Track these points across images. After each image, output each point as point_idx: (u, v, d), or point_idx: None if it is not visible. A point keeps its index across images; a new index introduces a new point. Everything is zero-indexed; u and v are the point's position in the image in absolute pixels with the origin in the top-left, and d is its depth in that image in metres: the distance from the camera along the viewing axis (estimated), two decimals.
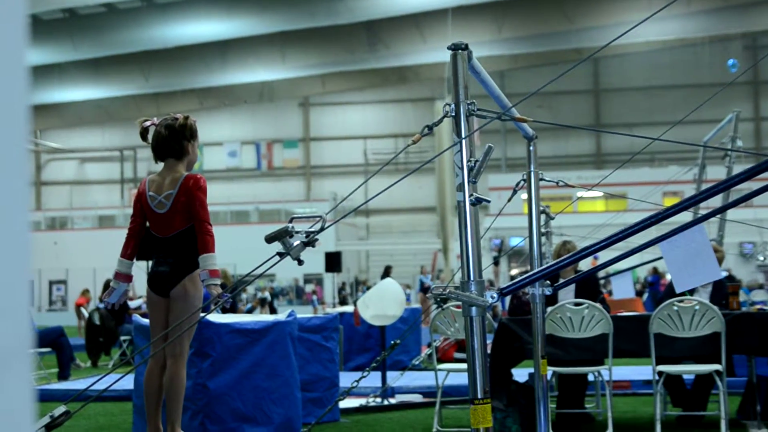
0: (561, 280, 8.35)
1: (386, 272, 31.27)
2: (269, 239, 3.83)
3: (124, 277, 6.67)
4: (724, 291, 9.53)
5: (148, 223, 6.67)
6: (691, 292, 9.17)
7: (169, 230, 6.51)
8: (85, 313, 20.12)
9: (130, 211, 6.65)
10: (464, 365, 8.65)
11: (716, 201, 12.30)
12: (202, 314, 6.77)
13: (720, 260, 9.61)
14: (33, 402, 1.14)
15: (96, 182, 60.32)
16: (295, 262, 3.91)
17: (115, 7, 43.34)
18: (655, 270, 33.54)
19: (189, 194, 6.45)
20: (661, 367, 8.49)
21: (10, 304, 1.11)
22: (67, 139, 59.06)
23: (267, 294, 37.84)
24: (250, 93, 55.34)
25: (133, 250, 6.69)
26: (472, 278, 3.64)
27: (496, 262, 29.49)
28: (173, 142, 6.58)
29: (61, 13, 43.12)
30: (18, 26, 1.13)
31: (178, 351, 6.42)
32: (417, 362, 14.21)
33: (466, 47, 3.87)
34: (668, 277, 29.39)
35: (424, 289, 30.94)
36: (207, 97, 55.63)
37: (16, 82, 1.13)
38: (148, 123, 6.69)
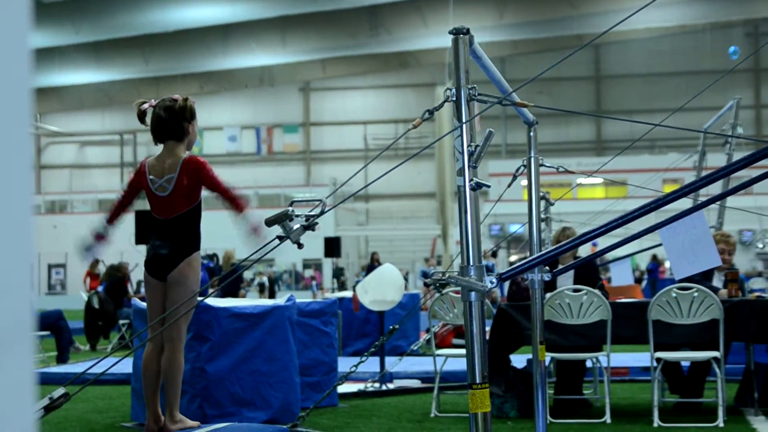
0: (560, 266, 8.36)
1: (373, 259, 31.25)
2: (269, 222, 3.83)
3: (99, 236, 6.75)
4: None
5: (149, 206, 6.68)
6: (709, 276, 9.17)
7: (171, 212, 6.52)
8: (84, 297, 20.14)
9: None
10: (462, 351, 8.64)
11: (716, 188, 12.31)
12: (199, 298, 6.78)
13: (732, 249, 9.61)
14: (34, 383, 1.15)
15: (96, 166, 60.29)
16: (295, 246, 3.92)
17: None
18: (654, 257, 33.60)
19: (193, 177, 6.46)
20: (660, 354, 8.50)
21: (11, 286, 1.11)
22: (67, 123, 59.04)
23: (265, 279, 37.85)
24: (251, 77, 55.32)
25: (115, 218, 6.76)
26: (471, 263, 3.65)
27: (494, 254, 29.50)
28: (173, 123, 6.58)
29: None
30: (21, 9, 1.14)
31: (175, 335, 6.43)
32: (415, 348, 14.25)
33: (468, 32, 3.86)
34: (667, 264, 29.40)
35: (426, 283, 30.87)
36: (207, 81, 55.60)
37: (19, 66, 1.14)
38: (146, 105, 6.68)
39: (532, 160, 5.95)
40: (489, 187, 3.75)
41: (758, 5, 47.49)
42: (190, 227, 6.44)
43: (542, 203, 8.36)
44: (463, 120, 3.72)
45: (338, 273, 38.53)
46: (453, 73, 3.85)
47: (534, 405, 5.93)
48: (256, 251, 3.99)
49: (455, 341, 13.55)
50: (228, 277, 14.89)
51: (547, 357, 7.59)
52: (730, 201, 12.37)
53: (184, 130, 6.61)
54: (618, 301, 9.15)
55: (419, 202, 54.68)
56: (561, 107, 48.07)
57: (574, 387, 9.44)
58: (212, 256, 21.84)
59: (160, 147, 6.71)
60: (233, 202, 6.51)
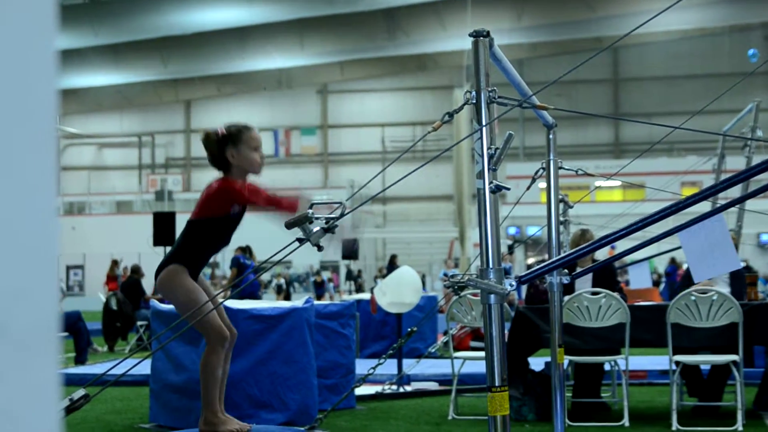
0: (579, 269, 8.34)
1: (392, 261, 31.24)
2: (289, 225, 3.84)
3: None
4: (742, 280, 9.50)
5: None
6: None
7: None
8: (103, 298, 20.22)
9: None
10: (480, 353, 8.62)
11: (735, 191, 12.26)
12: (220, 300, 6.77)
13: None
14: (59, 383, 1.15)
15: (114, 168, 60.45)
16: (313, 248, 3.92)
17: None
18: (672, 260, 33.50)
19: (205, 194, 6.25)
20: (678, 357, 8.48)
21: (37, 286, 1.12)
22: (86, 125, 59.21)
23: (282, 281, 37.96)
24: (269, 80, 55.38)
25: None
26: (491, 266, 3.64)
27: (510, 251, 29.47)
28: (210, 156, 6.38)
29: None
30: (47, 12, 1.14)
31: (205, 337, 6.42)
32: (433, 350, 14.25)
33: (488, 34, 3.86)
34: (685, 266, 29.28)
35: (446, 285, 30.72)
36: (225, 83, 55.69)
37: (45, 68, 1.14)
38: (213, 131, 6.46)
39: (552, 162, 5.94)
40: (509, 189, 3.75)
41: None
42: (185, 237, 6.27)
43: (561, 206, 8.35)
44: (483, 123, 3.72)
45: (354, 276, 38.61)
46: (471, 75, 3.85)
47: (552, 408, 5.92)
48: (277, 252, 3.99)
49: (473, 344, 13.53)
50: (245, 278, 14.90)
51: (566, 360, 7.58)
52: (749, 204, 12.32)
53: (224, 160, 6.38)
54: (636, 304, 9.13)
55: (437, 205, 54.64)
56: (579, 110, 47.94)
57: (592, 390, 9.42)
58: (245, 249, 21.62)
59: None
60: (276, 206, 5.90)
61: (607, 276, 9.46)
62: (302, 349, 8.12)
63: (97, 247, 45.30)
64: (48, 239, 1.14)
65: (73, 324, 15.01)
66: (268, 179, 6.49)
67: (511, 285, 3.60)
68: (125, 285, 20.11)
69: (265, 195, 6.09)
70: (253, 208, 6.22)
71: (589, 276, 9.37)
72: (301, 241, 3.87)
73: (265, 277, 36.11)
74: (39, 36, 1.14)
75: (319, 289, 36.81)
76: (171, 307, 8.58)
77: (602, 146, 55.97)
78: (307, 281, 46.74)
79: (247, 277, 18.96)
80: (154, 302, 8.88)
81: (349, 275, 38.29)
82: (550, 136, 5.99)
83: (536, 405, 8.84)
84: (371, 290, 13.67)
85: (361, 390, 10.06)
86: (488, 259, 3.65)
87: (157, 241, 19.33)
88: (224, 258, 30.61)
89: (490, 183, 3.66)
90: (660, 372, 11.44)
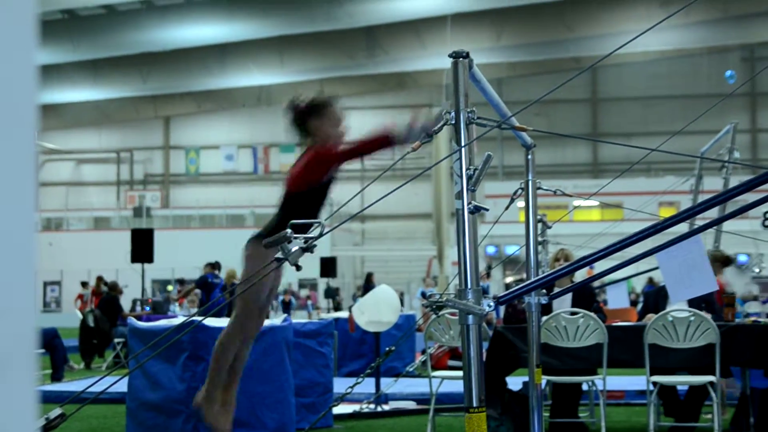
0: (557, 290, 8.35)
1: (368, 280, 31.20)
2: (268, 245, 3.83)
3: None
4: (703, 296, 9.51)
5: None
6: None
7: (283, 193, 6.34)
8: (79, 315, 20.12)
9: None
10: (458, 373, 8.61)
11: (712, 212, 12.30)
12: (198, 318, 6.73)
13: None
14: (36, 402, 1.15)
15: (92, 184, 60.23)
16: (292, 267, 3.91)
17: (115, 9, 43.34)
18: (650, 280, 33.56)
19: (303, 161, 6.27)
20: (656, 378, 8.49)
21: (15, 304, 1.11)
22: (64, 141, 59.01)
23: None
24: (248, 97, 55.34)
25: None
26: (469, 286, 3.64)
27: (488, 274, 29.53)
28: (293, 123, 6.45)
29: (60, 14, 43.13)
30: (27, 27, 1.14)
31: (234, 320, 6.30)
32: (411, 369, 14.23)
33: (467, 55, 3.87)
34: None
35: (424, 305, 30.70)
36: (205, 100, 55.61)
37: (26, 84, 1.14)
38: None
39: (530, 182, 5.95)
40: (487, 210, 3.75)
41: (755, 30, 47.59)
42: (284, 210, 6.16)
43: (539, 226, 8.36)
44: (462, 143, 3.72)
45: (333, 293, 38.48)
46: (450, 94, 3.85)
47: (530, 428, 5.92)
48: (257, 271, 3.98)
49: (451, 363, 13.52)
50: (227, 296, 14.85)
51: (543, 380, 7.58)
52: (726, 225, 12.35)
53: (308, 130, 6.41)
54: (614, 324, 9.14)
55: (415, 223, 54.65)
56: (557, 130, 48.07)
57: (570, 410, 9.42)
58: (214, 265, 21.59)
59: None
60: (372, 146, 5.96)
61: (586, 296, 9.48)
62: (280, 368, 8.10)
63: (75, 264, 45.11)
64: (26, 255, 1.14)
65: (49, 341, 14.93)
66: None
67: (489, 305, 3.60)
68: (102, 302, 20.01)
69: (358, 144, 6.03)
70: (355, 159, 6.12)
71: (568, 296, 9.38)
72: (279, 260, 3.86)
73: None
74: (19, 51, 1.14)
75: (286, 309, 36.62)
76: (148, 324, 8.56)
77: (580, 166, 56.15)
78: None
79: (215, 296, 18.85)
80: (132, 320, 8.84)
81: (329, 293, 38.14)
82: (529, 157, 6.01)
83: (514, 425, 8.84)
84: (349, 309, 13.65)
85: (339, 409, 10.03)
86: (467, 280, 3.66)
87: (135, 257, 19.25)
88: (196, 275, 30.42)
89: (469, 203, 3.66)
90: (637, 392, 11.45)
